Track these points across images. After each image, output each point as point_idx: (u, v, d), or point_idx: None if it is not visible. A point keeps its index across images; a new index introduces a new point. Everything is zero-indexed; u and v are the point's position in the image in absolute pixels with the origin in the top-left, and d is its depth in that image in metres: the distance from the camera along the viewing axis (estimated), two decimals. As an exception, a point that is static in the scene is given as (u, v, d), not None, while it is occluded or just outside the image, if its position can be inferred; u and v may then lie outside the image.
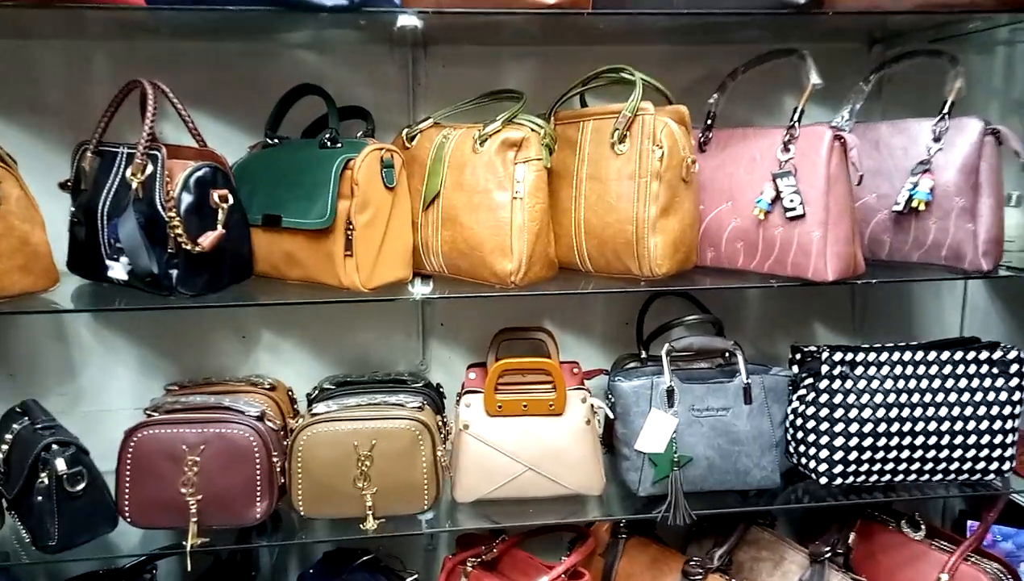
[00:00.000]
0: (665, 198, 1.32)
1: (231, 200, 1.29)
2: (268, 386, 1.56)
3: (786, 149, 1.33)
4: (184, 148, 1.36)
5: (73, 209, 1.37)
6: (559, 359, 1.58)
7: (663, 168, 1.31)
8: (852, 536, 1.60)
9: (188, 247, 1.26)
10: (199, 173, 1.28)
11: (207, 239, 1.26)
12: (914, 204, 1.35)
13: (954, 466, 1.44)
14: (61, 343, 1.61)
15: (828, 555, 1.52)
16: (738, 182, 1.39)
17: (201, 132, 1.40)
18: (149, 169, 1.27)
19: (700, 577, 1.50)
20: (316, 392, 1.56)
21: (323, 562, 1.64)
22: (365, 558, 1.59)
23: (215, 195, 1.28)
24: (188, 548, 1.33)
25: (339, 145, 1.32)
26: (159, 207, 1.26)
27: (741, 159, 1.40)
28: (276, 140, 1.44)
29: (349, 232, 1.29)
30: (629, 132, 1.33)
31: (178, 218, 1.25)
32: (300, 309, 1.67)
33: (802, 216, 1.31)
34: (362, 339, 1.70)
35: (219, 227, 1.28)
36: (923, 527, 1.59)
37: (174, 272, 1.27)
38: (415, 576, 1.56)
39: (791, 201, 1.30)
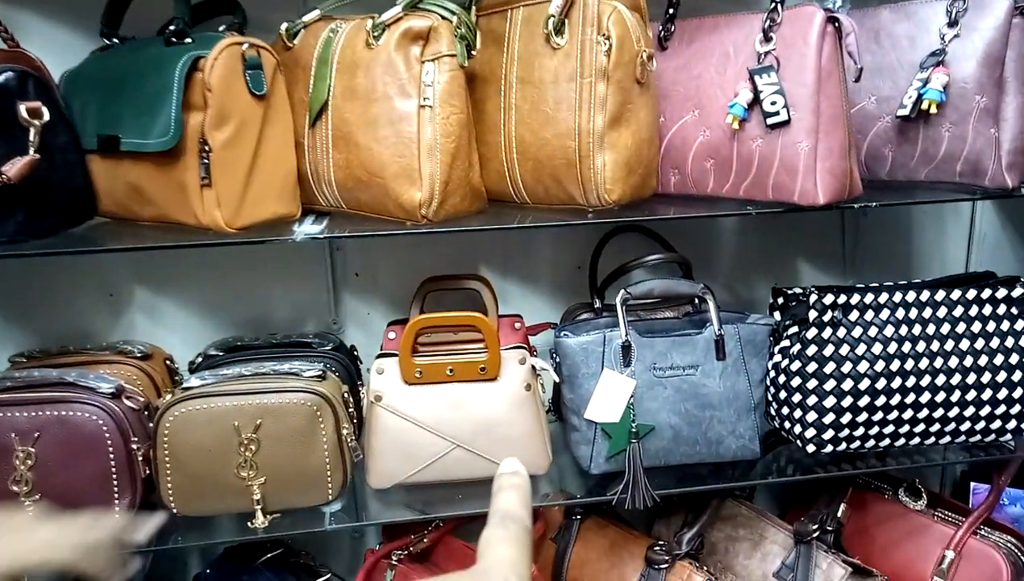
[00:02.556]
0: (615, 104, 1.03)
1: (47, 115, 0.99)
2: (140, 354, 1.27)
3: (767, 38, 1.05)
4: (-11, 51, 1.05)
5: None
6: (498, 312, 1.31)
7: (611, 65, 1.02)
8: (843, 508, 1.37)
9: (-10, 178, 0.95)
10: (-2, 79, 0.97)
11: (14, 167, 0.96)
12: (924, 106, 1.08)
13: (965, 426, 1.20)
14: None
15: (816, 534, 1.29)
16: (707, 85, 1.11)
17: (19, 36, 1.08)
18: (-71, 74, 0.95)
19: (666, 565, 1.27)
20: (200, 360, 1.28)
21: (223, 559, 1.38)
22: (270, 555, 1.33)
23: (23, 109, 0.97)
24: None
25: (188, 40, 1.01)
26: (-55, 125, 0.95)
27: (711, 55, 1.11)
28: (116, 40, 1.12)
29: (205, 154, 0.99)
30: (568, 20, 1.04)
31: (-29, 139, 0.95)
32: (179, 262, 1.37)
33: (786, 122, 1.03)
34: (262, 295, 1.41)
35: (31, 151, 0.97)
36: (924, 495, 1.37)
37: (-27, 212, 0.97)
38: (328, 575, 1.31)
39: (773, 103, 1.03)
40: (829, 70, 1.03)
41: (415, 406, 1.18)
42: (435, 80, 1.03)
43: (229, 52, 0.99)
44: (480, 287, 1.32)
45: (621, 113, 1.04)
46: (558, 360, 1.22)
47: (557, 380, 1.23)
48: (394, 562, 1.32)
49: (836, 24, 1.02)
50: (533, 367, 1.21)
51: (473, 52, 1.06)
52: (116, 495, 1.09)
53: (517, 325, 1.29)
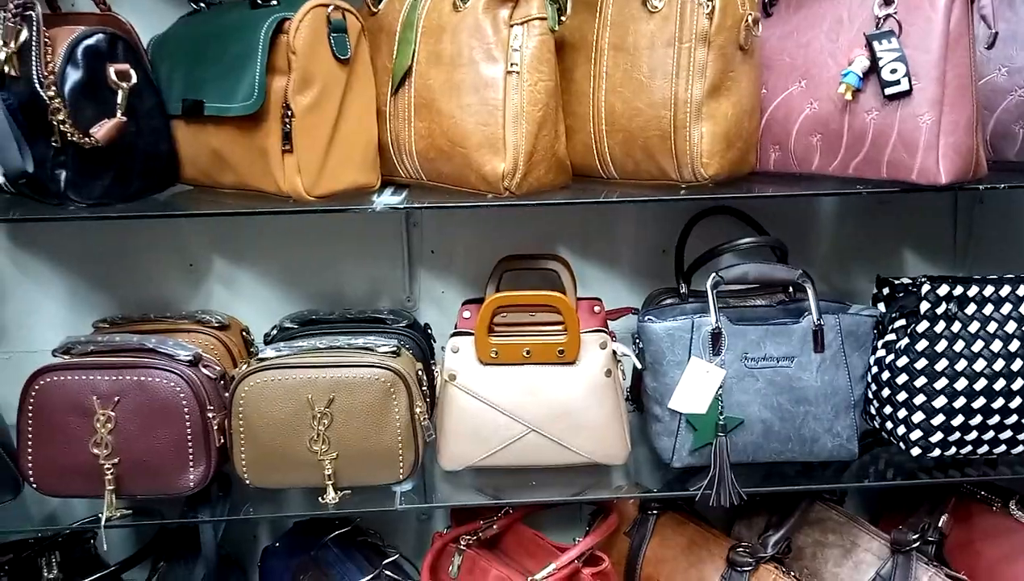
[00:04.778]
0: (715, 72, 0.96)
1: (134, 78, 0.98)
2: (217, 324, 1.27)
3: (887, 1, 0.96)
4: (81, 14, 1.06)
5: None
6: (576, 295, 1.26)
7: (713, 29, 0.95)
8: (945, 519, 1.27)
9: (78, 140, 0.96)
10: (89, 41, 0.98)
11: (102, 129, 0.96)
12: (1069, 76, 0.97)
13: (1093, 435, 1.09)
14: (-28, 271, 1.35)
15: (916, 544, 1.19)
16: (816, 53, 1.02)
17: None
18: (23, 35, 0.96)
19: (751, 568, 1.19)
20: (275, 332, 1.28)
21: (292, 533, 1.38)
22: (338, 532, 1.32)
23: (112, 71, 0.97)
24: (103, 522, 1.07)
25: (274, 2, 0.99)
26: (37, 85, 0.95)
27: (822, 21, 1.02)
28: (203, 4, 1.11)
29: (287, 120, 0.97)
30: (667, -20, 0.97)
31: (60, 100, 0.95)
32: (258, 233, 1.36)
33: (907, 92, 0.94)
34: (337, 269, 1.40)
35: (118, 114, 0.97)
36: (1039, 510, 1.25)
37: (62, 173, 0.98)
38: (396, 556, 1.28)
39: (893, 71, 0.93)
40: (958, 36, 0.93)
41: (490, 387, 1.14)
42: (523, 44, 0.98)
43: (314, 14, 0.96)
44: (559, 268, 1.27)
45: (721, 82, 0.97)
46: (641, 346, 1.16)
47: (639, 367, 1.17)
48: (462, 547, 1.28)
49: (969, -15, 0.93)
50: (614, 352, 1.15)
51: (564, 16, 1.00)
52: (191, 462, 1.09)
53: (596, 309, 1.24)
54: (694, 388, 1.10)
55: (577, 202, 1.10)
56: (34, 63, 0.95)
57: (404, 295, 1.41)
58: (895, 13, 0.95)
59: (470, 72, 0.98)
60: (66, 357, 1.12)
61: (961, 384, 1.07)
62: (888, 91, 0.95)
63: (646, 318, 1.15)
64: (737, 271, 1.13)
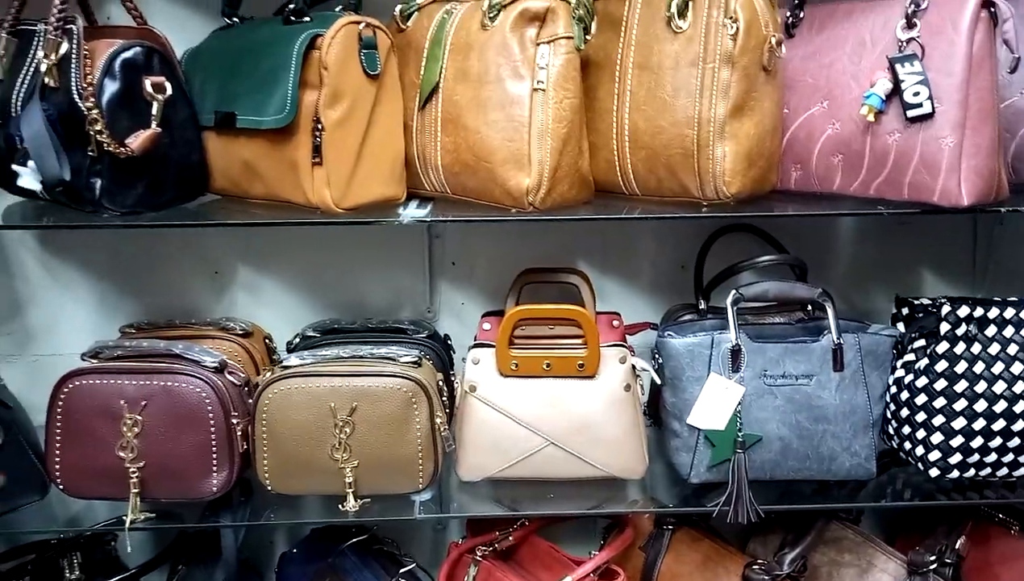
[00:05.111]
0: (739, 92, 0.98)
1: (169, 90, 1.01)
2: (241, 331, 1.29)
3: (910, 24, 0.97)
4: (118, 28, 1.09)
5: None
6: (596, 309, 1.27)
7: (738, 50, 0.96)
8: (962, 541, 1.26)
9: (113, 150, 0.98)
10: (127, 54, 1.00)
11: (137, 140, 0.99)
12: (1092, 101, 0.98)
13: (1114, 460, 1.08)
14: (3, 274, 1.37)
15: (933, 566, 1.18)
16: (839, 75, 1.03)
17: (147, 13, 1.11)
18: (63, 48, 0.99)
19: (765, 585, 1.19)
20: (297, 340, 1.29)
21: (310, 540, 1.39)
22: (355, 540, 1.33)
23: (148, 83, 1.00)
24: (127, 525, 1.09)
25: (307, 19, 1.01)
26: (76, 97, 0.98)
27: (845, 43, 1.03)
28: (236, 19, 1.14)
29: (317, 133, 0.99)
30: (692, 2, 0.98)
31: (98, 111, 0.97)
32: (282, 242, 1.39)
33: (930, 115, 0.95)
34: (359, 280, 1.42)
35: (153, 124, 0.99)
36: (1058, 534, 1.24)
37: (97, 182, 1.00)
38: (412, 565, 1.29)
39: (915, 94, 0.94)
40: (981, 59, 0.94)
41: (509, 399, 1.15)
42: (550, 63, 0.99)
43: (347, 31, 0.99)
44: (578, 282, 1.28)
45: (745, 102, 0.98)
46: (660, 361, 1.17)
47: (658, 382, 1.17)
48: (478, 557, 1.29)
49: (991, 9, 0.93)
50: (633, 367, 1.16)
51: (589, 36, 1.02)
52: (215, 467, 1.11)
53: (615, 323, 1.25)
54: (713, 404, 1.11)
55: (599, 218, 1.11)
56: (73, 75, 0.98)
57: (425, 306, 1.42)
58: (918, 36, 0.97)
59: (497, 89, 1.00)
60: (95, 361, 1.14)
61: (981, 406, 1.07)
62: (911, 113, 0.96)
63: (666, 334, 1.16)
64: (758, 288, 1.13)
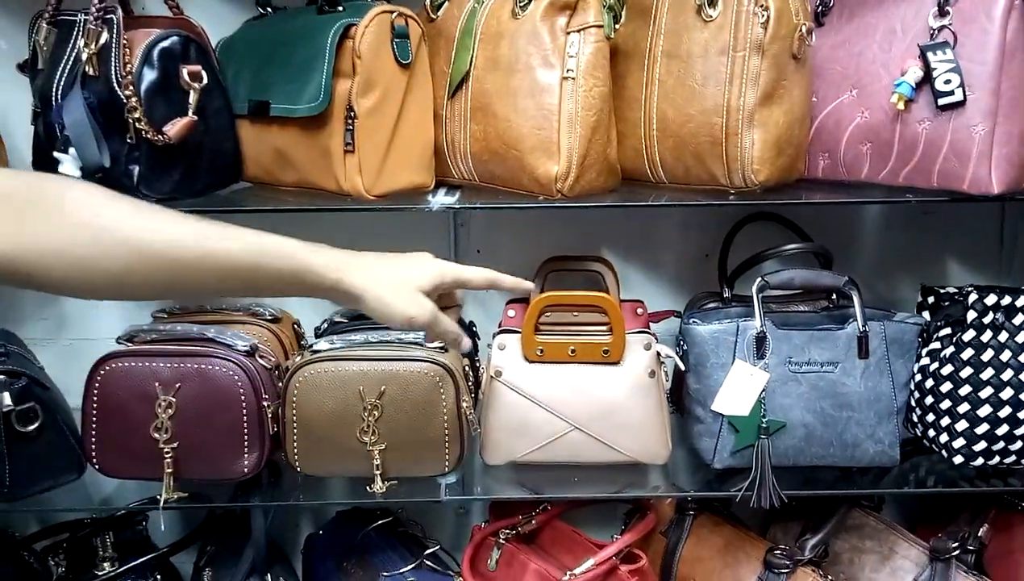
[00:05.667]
0: (768, 80, 0.98)
1: (205, 79, 1.02)
2: (270, 317, 1.31)
3: (942, 12, 0.97)
4: (155, 18, 1.10)
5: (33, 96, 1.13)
6: (620, 297, 1.28)
7: (768, 38, 0.97)
8: (985, 528, 1.27)
9: (151, 137, 1.00)
10: (164, 43, 1.02)
11: (174, 127, 1.01)
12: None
13: None
14: (39, 260, 1.40)
15: (956, 553, 1.19)
16: (868, 63, 1.03)
17: (182, 3, 1.12)
18: (104, 38, 1.00)
19: (788, 570, 1.20)
20: (325, 326, 1.31)
21: (335, 523, 1.42)
22: (380, 522, 1.35)
23: (185, 72, 1.01)
24: (161, 504, 1.11)
25: (340, 8, 1.03)
26: (115, 85, 1.00)
27: (875, 32, 1.04)
28: (269, 9, 1.15)
29: (350, 121, 1.00)
30: (722, -10, 0.99)
31: (137, 99, 0.99)
32: (311, 229, 1.36)
33: (961, 103, 0.95)
34: (385, 266, 1.43)
35: (189, 113, 1.01)
36: (1082, 523, 1.24)
37: (135, 168, 1.02)
38: (436, 547, 1.31)
39: (947, 81, 0.94)
40: (1014, 48, 0.94)
41: (534, 384, 1.16)
42: (580, 51, 1.00)
43: (379, 20, 1.00)
44: (603, 270, 1.29)
45: (774, 90, 0.99)
46: (685, 348, 1.18)
47: (683, 368, 1.19)
48: (501, 541, 1.31)
49: (1025, -3, 0.93)
50: (658, 354, 1.17)
51: (618, 24, 1.03)
52: (246, 449, 1.13)
53: (639, 311, 1.26)
54: (738, 391, 1.12)
55: (625, 205, 1.12)
56: (113, 64, 1.00)
57: (450, 293, 1.44)
58: (950, 24, 0.97)
59: (527, 77, 1.01)
60: (129, 344, 1.17)
61: (1007, 394, 1.07)
62: (941, 101, 0.96)
63: (691, 321, 1.17)
64: (784, 276, 1.14)
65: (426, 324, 0.87)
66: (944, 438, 1.12)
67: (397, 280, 0.86)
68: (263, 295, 1.23)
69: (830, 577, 1.21)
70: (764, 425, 1.12)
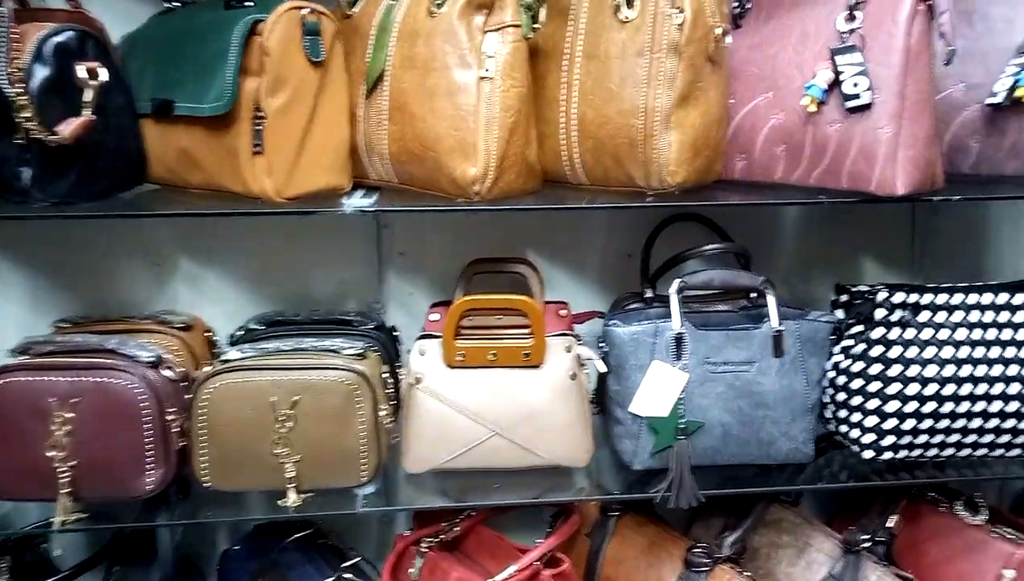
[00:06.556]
0: (684, 82, 0.98)
1: (103, 76, 0.97)
2: (181, 325, 1.25)
3: (851, 16, 0.99)
4: (51, 11, 1.03)
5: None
6: (544, 299, 1.27)
7: (684, 40, 0.97)
8: (895, 519, 1.31)
9: (43, 137, 0.94)
10: (58, 38, 0.96)
11: (68, 127, 0.95)
12: (1019, 94, 1.01)
13: (1036, 440, 1.14)
14: (-72, 267, 1.31)
15: (867, 545, 1.23)
16: (783, 65, 1.05)
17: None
18: (-12, 30, 0.93)
19: (707, 568, 1.21)
20: (240, 333, 1.26)
21: (252, 536, 1.36)
22: (299, 535, 1.31)
23: (81, 69, 0.95)
24: (56, 526, 1.04)
25: (249, 3, 0.98)
26: (3, 81, 0.93)
27: (790, 34, 1.05)
28: (177, 3, 1.10)
29: (258, 121, 0.96)
30: (638, -8, 0.99)
31: (27, 97, 0.93)
32: (224, 233, 1.35)
33: (868, 106, 0.97)
34: (305, 270, 1.39)
35: (85, 111, 0.95)
36: (984, 510, 1.30)
37: (25, 170, 0.95)
38: (357, 559, 1.28)
39: (854, 85, 0.97)
40: (918, 52, 0.97)
41: (455, 390, 1.14)
42: (497, 51, 0.99)
43: (289, 16, 0.96)
44: (527, 272, 1.28)
45: (690, 92, 0.99)
46: (606, 350, 1.17)
47: (603, 370, 1.18)
48: (424, 549, 1.28)
49: (929, 2, 0.96)
50: (579, 356, 1.17)
51: (537, 24, 1.01)
52: (150, 465, 1.07)
53: (563, 312, 1.25)
54: (656, 392, 1.12)
55: (546, 208, 1.11)
56: (1, 59, 0.93)
57: (373, 297, 1.40)
58: (859, 28, 0.99)
59: (443, 77, 0.99)
60: (24, 357, 1.09)
61: (913, 389, 1.11)
62: (849, 104, 0.98)
63: (611, 322, 1.16)
64: (702, 277, 1.15)
65: None
66: (855, 433, 1.15)
67: None
68: None
69: (748, 573, 1.22)
70: (682, 426, 1.12)
